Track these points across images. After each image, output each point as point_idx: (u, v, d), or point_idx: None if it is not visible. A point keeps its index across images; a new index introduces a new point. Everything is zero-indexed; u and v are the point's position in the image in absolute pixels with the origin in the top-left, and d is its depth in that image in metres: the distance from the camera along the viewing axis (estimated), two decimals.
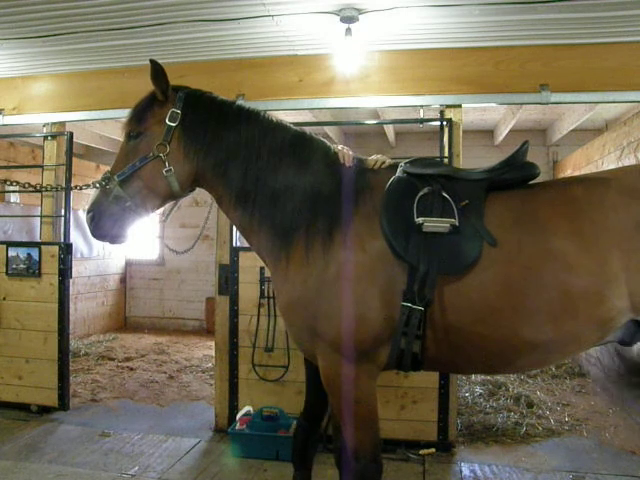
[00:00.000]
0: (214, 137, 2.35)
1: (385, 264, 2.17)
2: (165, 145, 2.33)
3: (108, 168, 2.43)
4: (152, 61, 2.30)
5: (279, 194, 2.32)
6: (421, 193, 2.24)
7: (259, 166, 2.33)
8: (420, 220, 2.15)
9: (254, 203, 2.34)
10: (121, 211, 2.36)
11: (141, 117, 2.38)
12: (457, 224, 2.14)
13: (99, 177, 2.43)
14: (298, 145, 2.38)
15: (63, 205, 4.85)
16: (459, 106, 4.17)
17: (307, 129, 2.51)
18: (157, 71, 2.31)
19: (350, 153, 2.47)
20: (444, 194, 2.22)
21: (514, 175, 2.28)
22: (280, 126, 2.42)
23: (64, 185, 4.78)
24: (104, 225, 2.39)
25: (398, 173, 2.36)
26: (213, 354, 4.59)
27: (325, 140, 2.50)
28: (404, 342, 2.14)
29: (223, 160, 2.35)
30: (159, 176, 2.35)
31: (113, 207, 2.36)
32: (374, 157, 2.52)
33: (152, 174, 2.35)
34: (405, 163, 2.39)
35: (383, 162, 2.47)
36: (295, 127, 2.46)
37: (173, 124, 2.34)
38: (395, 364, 2.22)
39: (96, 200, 2.40)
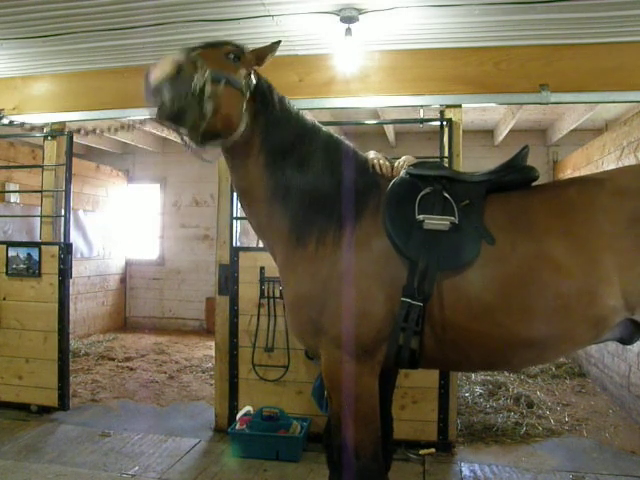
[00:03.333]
0: (275, 120, 2.36)
1: (388, 261, 2.23)
2: (245, 92, 2.26)
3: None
4: (278, 42, 2.40)
5: (304, 192, 2.33)
6: (423, 192, 2.30)
7: (295, 163, 2.34)
8: (421, 217, 2.22)
9: (284, 198, 2.34)
10: (196, 103, 2.08)
11: (243, 54, 2.31)
12: (457, 222, 2.20)
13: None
14: (327, 148, 2.41)
15: (63, 205, 4.85)
16: (459, 106, 4.17)
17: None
18: (274, 48, 2.40)
19: (387, 164, 2.52)
20: (445, 194, 2.29)
21: (513, 178, 2.35)
22: (315, 128, 2.45)
23: (64, 186, 4.80)
24: (182, 105, 2.07)
25: (402, 174, 2.43)
26: (213, 354, 4.58)
27: (342, 140, 2.52)
28: (402, 338, 2.17)
29: (273, 147, 2.34)
30: (237, 102, 2.23)
31: (190, 96, 2.07)
32: (403, 159, 2.58)
33: (233, 97, 2.22)
34: (409, 166, 2.46)
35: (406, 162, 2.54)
36: (325, 130, 2.47)
37: (252, 84, 2.30)
38: (393, 360, 2.25)
39: (182, 78, 2.10)
